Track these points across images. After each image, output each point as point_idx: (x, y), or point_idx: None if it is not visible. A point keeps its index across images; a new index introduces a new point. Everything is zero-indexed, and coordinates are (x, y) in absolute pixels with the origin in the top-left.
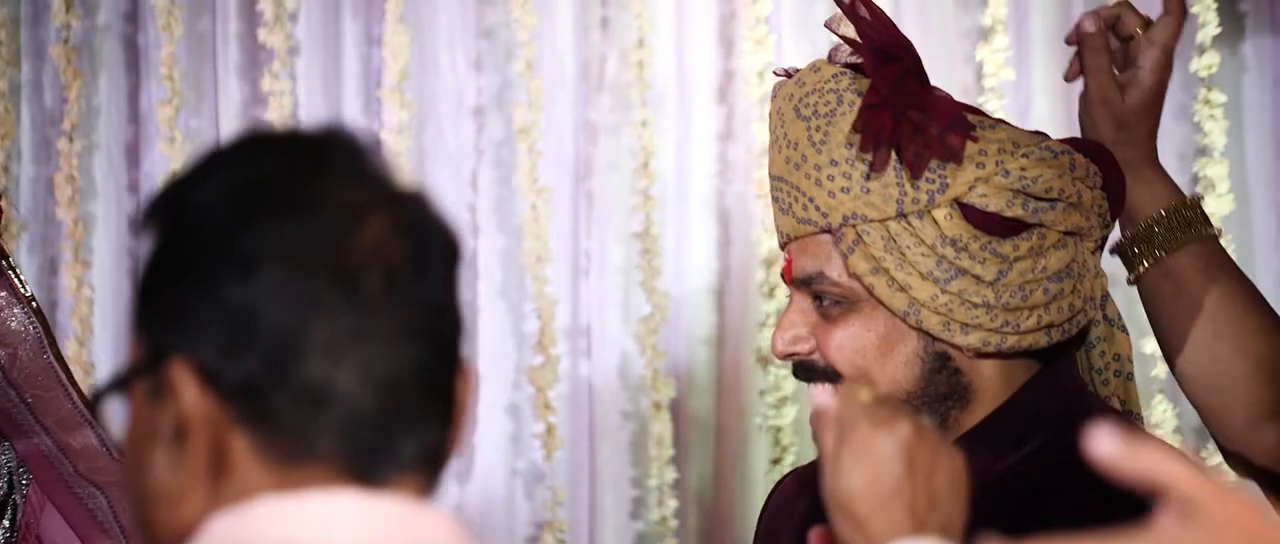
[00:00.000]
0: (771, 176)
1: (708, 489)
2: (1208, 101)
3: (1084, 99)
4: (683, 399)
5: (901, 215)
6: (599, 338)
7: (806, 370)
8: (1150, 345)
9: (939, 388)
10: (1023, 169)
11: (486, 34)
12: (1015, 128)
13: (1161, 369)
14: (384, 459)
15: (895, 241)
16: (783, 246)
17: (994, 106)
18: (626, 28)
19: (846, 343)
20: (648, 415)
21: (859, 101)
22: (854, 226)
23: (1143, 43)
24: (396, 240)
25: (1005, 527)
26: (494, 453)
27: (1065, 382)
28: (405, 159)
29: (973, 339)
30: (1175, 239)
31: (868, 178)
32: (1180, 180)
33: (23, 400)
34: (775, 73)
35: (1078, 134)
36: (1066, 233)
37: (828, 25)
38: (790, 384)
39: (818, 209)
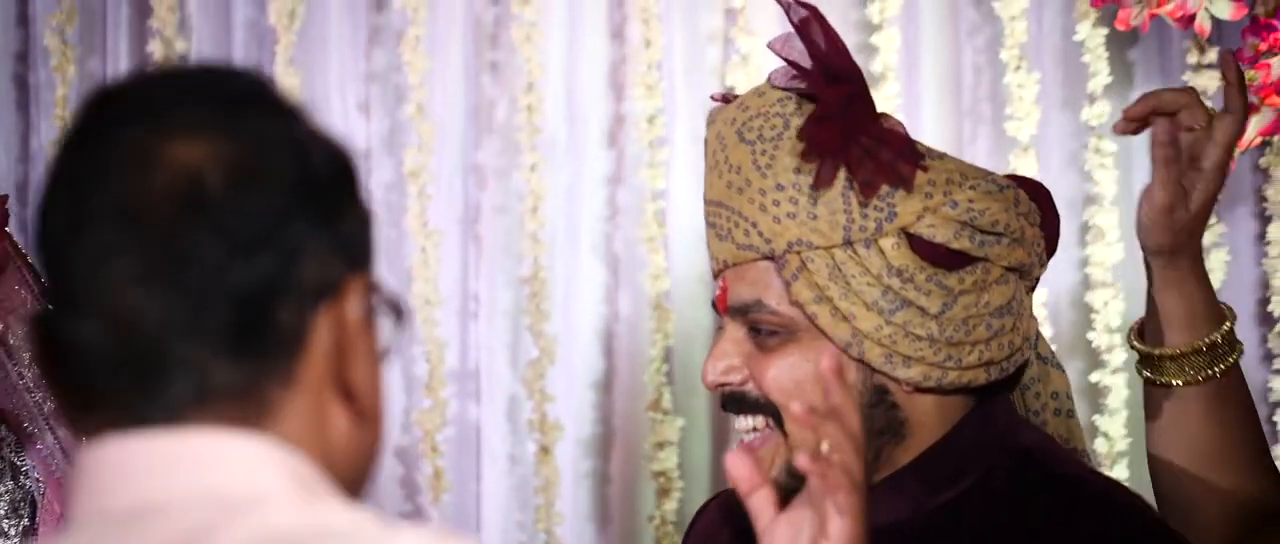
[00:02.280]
0: (708, 202)
1: (593, 533)
2: (1098, 150)
3: (1149, 206)
4: (570, 443)
5: (848, 243)
6: (487, 381)
7: (737, 402)
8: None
9: (876, 422)
10: (970, 201)
11: (376, 77)
12: (961, 160)
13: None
14: (153, 402)
15: (840, 270)
16: (717, 274)
17: None
18: (516, 72)
19: (784, 374)
20: (535, 459)
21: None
22: (798, 253)
23: (1205, 142)
24: (188, 182)
25: None
26: (383, 497)
27: (1001, 419)
28: None
29: (914, 373)
30: (1206, 371)
31: (815, 203)
32: (1069, 229)
33: (39, 406)
34: (713, 98)
35: None
36: (1009, 268)
37: (772, 46)
38: (675, 429)
39: (761, 235)
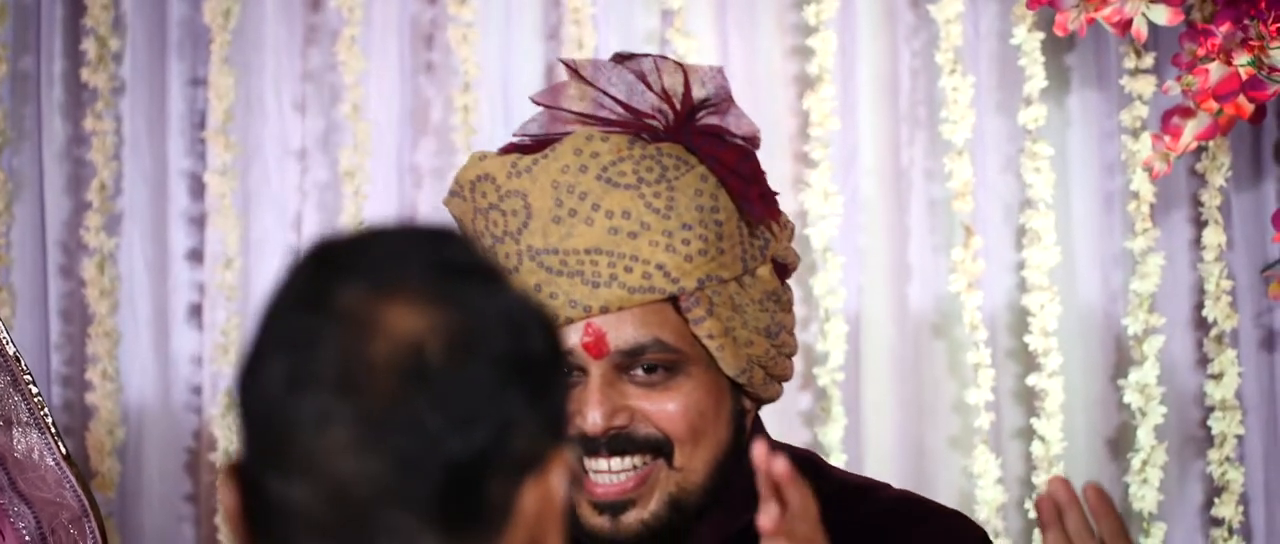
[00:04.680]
0: (571, 251)
1: None
2: (1034, 154)
3: None
4: None
5: (746, 272)
6: None
7: (624, 443)
8: (973, 395)
9: (740, 445)
10: (788, 223)
11: (312, 77)
12: None
13: (985, 419)
14: None
15: (735, 300)
16: (570, 320)
17: (820, 155)
18: (453, 73)
19: (684, 407)
20: None
21: (684, 165)
22: (704, 289)
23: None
24: (409, 352)
25: None
26: None
27: (766, 441)
28: (229, 201)
29: (774, 391)
30: None
31: (721, 239)
32: (1005, 232)
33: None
34: (486, 156)
35: (904, 186)
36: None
37: (536, 99)
38: None
39: (667, 275)
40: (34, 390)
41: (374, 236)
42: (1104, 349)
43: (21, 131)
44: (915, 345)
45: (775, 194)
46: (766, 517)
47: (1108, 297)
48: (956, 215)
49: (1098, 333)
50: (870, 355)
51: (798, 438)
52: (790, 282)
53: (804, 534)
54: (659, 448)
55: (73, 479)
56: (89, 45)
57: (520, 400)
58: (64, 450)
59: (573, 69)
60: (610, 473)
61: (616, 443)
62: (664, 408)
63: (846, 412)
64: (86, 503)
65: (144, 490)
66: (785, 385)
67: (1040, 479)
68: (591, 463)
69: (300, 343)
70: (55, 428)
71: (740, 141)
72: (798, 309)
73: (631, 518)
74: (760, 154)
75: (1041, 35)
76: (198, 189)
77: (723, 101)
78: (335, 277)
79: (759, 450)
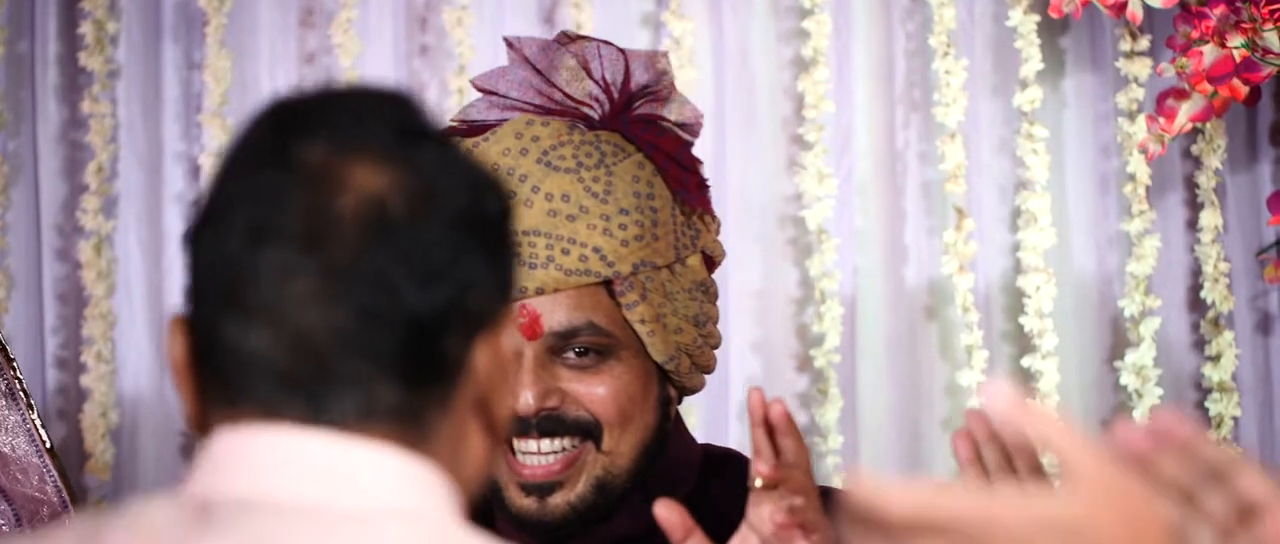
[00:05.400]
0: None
1: None
2: (1030, 136)
3: None
4: None
5: (678, 260)
6: None
7: (554, 424)
8: (967, 377)
9: (664, 433)
10: (716, 217)
11: (307, 59)
12: None
13: (979, 401)
14: (313, 414)
15: (668, 287)
16: (514, 301)
17: (814, 138)
18: (447, 56)
19: (614, 390)
20: None
21: (622, 151)
22: (638, 274)
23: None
24: (373, 206)
25: None
26: None
27: (687, 432)
28: None
29: (697, 382)
30: None
31: (656, 225)
32: (1002, 213)
33: None
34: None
35: (898, 168)
36: None
37: (476, 84)
38: None
39: (603, 258)
40: (21, 381)
41: (333, 98)
42: (1099, 331)
43: (18, 115)
44: (910, 327)
45: (708, 185)
46: (765, 464)
47: (1103, 278)
48: (950, 198)
49: (1093, 315)
50: (866, 337)
51: (795, 420)
52: (784, 261)
53: (799, 481)
54: (588, 431)
55: (56, 473)
56: (85, 29)
57: (478, 259)
58: (48, 444)
59: (516, 50)
60: (539, 454)
61: (547, 424)
62: (594, 391)
63: (843, 393)
64: (67, 498)
65: (138, 473)
66: (781, 377)
67: None
68: (521, 444)
69: (263, 197)
70: (41, 420)
71: (678, 130)
72: (794, 291)
73: (558, 500)
74: (756, 136)
75: (1036, 18)
76: (194, 172)
77: (663, 88)
78: (297, 134)
79: (755, 397)
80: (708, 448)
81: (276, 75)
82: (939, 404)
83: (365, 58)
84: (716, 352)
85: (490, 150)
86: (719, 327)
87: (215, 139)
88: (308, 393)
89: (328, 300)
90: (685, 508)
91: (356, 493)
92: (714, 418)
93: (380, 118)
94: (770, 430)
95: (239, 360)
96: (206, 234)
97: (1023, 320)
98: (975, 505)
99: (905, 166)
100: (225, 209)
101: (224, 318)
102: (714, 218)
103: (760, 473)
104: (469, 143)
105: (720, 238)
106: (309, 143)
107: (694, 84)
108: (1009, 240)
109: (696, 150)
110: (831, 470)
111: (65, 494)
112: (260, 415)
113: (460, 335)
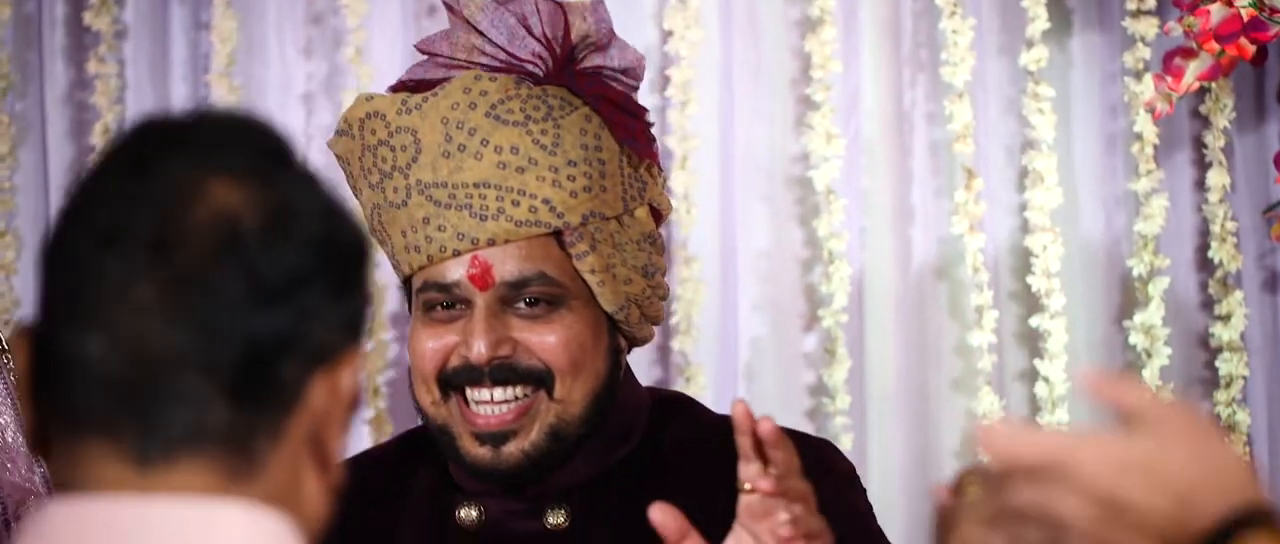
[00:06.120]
0: (459, 185)
1: None
2: (1036, 95)
3: None
4: None
5: (626, 211)
6: None
7: (507, 373)
8: (976, 337)
9: (615, 381)
10: (661, 170)
11: (315, 20)
12: None
13: (988, 361)
14: (143, 432)
15: (615, 239)
16: (456, 253)
17: (821, 98)
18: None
19: (566, 339)
20: None
21: (569, 105)
22: (587, 225)
23: None
24: (226, 221)
25: (637, 510)
26: None
27: (635, 379)
28: None
29: (647, 332)
30: None
31: (604, 177)
32: (1009, 174)
33: None
34: (369, 98)
35: (906, 129)
36: None
37: (419, 46)
38: None
39: (552, 209)
40: (10, 369)
41: (200, 119)
42: (1108, 290)
43: (25, 76)
44: (918, 288)
45: (653, 130)
46: (764, 481)
47: (1111, 238)
48: (958, 158)
49: (1101, 274)
50: (874, 298)
51: (802, 380)
52: (791, 221)
53: (798, 489)
54: (540, 379)
55: (44, 463)
56: None
57: (324, 290)
58: None
59: (456, 12)
60: (492, 403)
61: (499, 373)
62: (545, 340)
63: (850, 354)
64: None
65: None
66: (789, 337)
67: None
68: (474, 393)
69: (118, 203)
70: None
71: (621, 76)
72: (801, 251)
73: (512, 448)
74: (761, 96)
75: None
76: None
77: (602, 35)
78: (161, 150)
79: (739, 410)
80: (655, 391)
81: (284, 35)
82: (948, 364)
83: (372, 18)
84: (719, 310)
85: (440, 104)
86: (726, 286)
87: (222, 100)
88: (140, 408)
89: (168, 311)
90: (634, 456)
91: None
92: (722, 378)
93: (245, 140)
94: (757, 439)
95: (74, 370)
96: (59, 237)
97: (1030, 280)
98: (1063, 445)
99: (912, 127)
100: (79, 215)
101: (65, 326)
102: (660, 170)
103: (760, 489)
104: (418, 98)
105: (731, 197)
106: (171, 157)
107: (701, 44)
108: (1016, 200)
109: (705, 109)
110: (839, 430)
111: (51, 484)
112: (94, 434)
113: (298, 364)
